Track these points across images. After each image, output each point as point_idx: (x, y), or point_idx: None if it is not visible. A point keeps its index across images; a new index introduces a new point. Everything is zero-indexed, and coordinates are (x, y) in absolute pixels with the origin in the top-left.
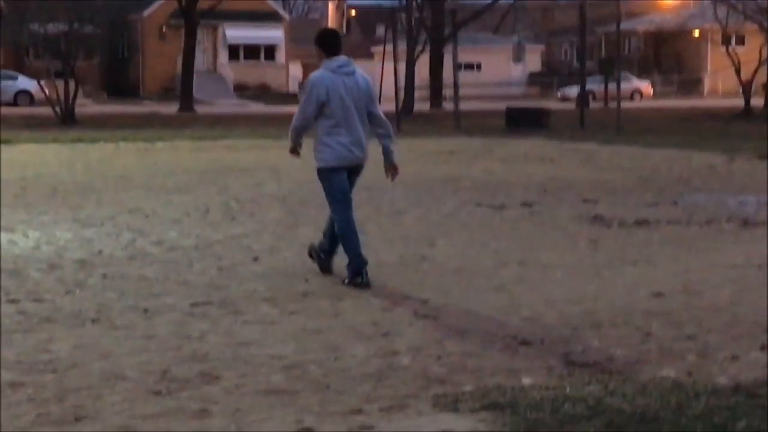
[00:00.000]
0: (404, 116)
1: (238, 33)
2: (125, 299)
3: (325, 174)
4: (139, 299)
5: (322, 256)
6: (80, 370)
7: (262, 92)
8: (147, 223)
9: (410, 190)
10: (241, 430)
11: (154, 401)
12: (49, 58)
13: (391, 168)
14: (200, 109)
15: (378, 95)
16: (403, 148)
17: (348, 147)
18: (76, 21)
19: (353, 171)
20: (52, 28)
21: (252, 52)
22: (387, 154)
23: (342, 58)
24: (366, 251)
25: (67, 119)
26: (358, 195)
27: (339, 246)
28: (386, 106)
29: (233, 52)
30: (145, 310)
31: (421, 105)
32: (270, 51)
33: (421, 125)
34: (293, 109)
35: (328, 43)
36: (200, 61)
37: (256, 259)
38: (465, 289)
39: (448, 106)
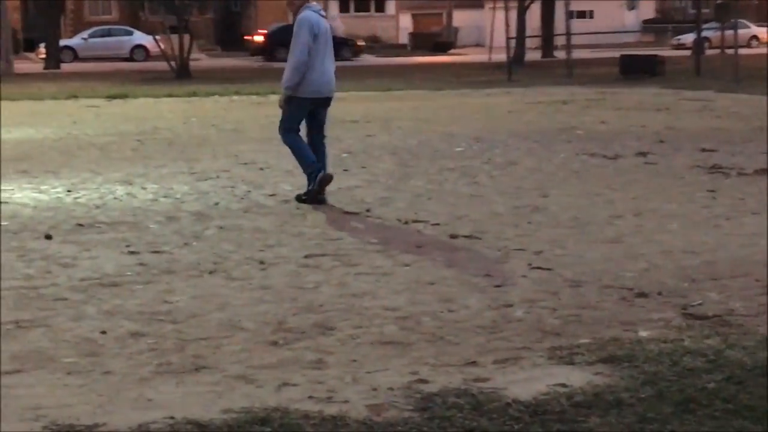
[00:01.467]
0: (515, 66)
1: None
2: (241, 251)
3: (297, 102)
4: (254, 251)
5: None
6: (199, 321)
7: (373, 44)
8: (261, 176)
9: (522, 140)
10: (357, 380)
11: (271, 351)
12: (163, 13)
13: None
14: None
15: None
16: (514, 98)
17: (320, 80)
18: None
19: (324, 103)
20: None
21: (362, 4)
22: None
23: (318, 4)
24: (472, 201)
25: (181, 73)
26: (471, 147)
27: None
28: (497, 55)
29: (344, 4)
30: (261, 262)
31: (533, 54)
32: (380, 2)
33: (533, 75)
34: (403, 60)
35: None
36: None
37: (368, 210)
38: (579, 241)
39: (560, 55)
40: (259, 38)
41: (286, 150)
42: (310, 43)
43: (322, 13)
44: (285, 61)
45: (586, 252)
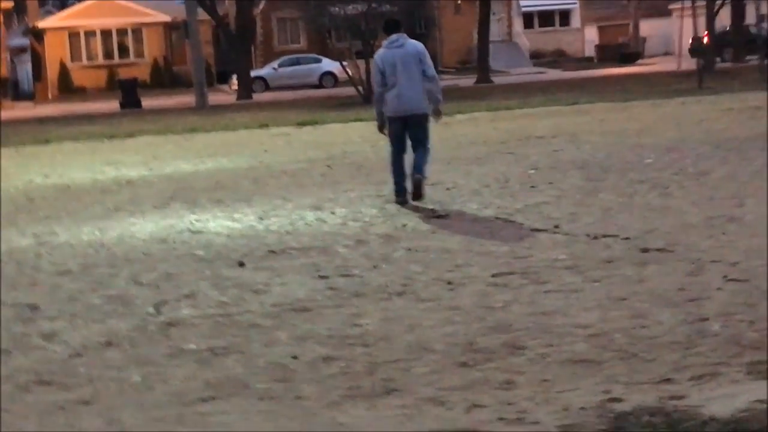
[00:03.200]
0: (706, 72)
1: (531, 0)
2: (429, 272)
3: (389, 122)
4: (442, 271)
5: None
6: (388, 343)
7: (559, 58)
8: (447, 196)
9: (715, 148)
10: (548, 400)
11: (460, 373)
12: (349, 39)
13: (436, 112)
14: (497, 79)
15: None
16: (705, 106)
17: (396, 101)
18: (374, 0)
19: (408, 120)
20: (351, 9)
21: (546, 18)
22: (434, 102)
23: (393, 36)
24: (663, 213)
25: (369, 97)
26: (661, 157)
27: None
28: (686, 63)
29: (527, 19)
30: (449, 282)
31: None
32: (565, 16)
33: (725, 81)
34: (591, 73)
35: (386, 28)
36: (495, 31)
37: (557, 226)
38: None
39: (753, 59)
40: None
41: (473, 169)
42: (379, 79)
43: (397, 43)
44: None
45: None
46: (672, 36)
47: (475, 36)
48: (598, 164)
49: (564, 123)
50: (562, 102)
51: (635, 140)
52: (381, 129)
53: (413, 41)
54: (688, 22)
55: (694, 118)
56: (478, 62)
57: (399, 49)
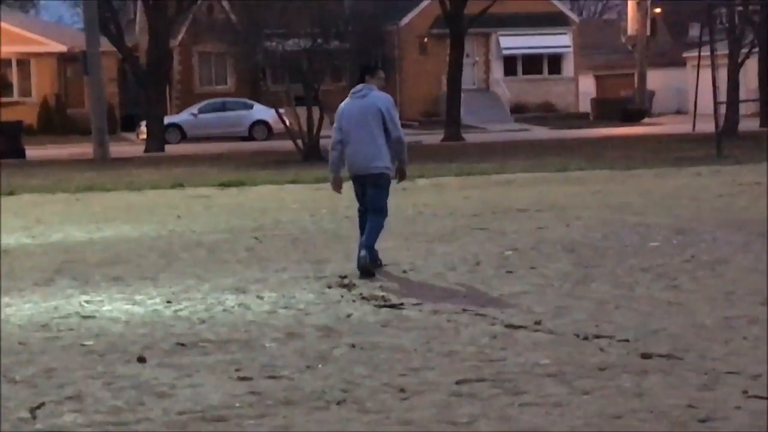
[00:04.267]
0: (726, 137)
1: (515, 42)
2: (377, 375)
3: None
4: (393, 375)
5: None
6: None
7: (546, 113)
8: (404, 280)
9: (735, 232)
10: None
11: None
12: (288, 81)
13: (400, 172)
14: (470, 136)
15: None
16: (725, 178)
17: (352, 159)
18: (320, 35)
19: (366, 180)
20: (292, 45)
21: (533, 64)
22: (399, 161)
23: (359, 86)
24: (670, 310)
25: (310, 154)
26: (669, 241)
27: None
28: (703, 124)
29: (509, 64)
30: (402, 390)
31: (749, 122)
32: (555, 62)
33: (749, 149)
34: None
35: (359, 73)
36: (469, 77)
37: (538, 322)
38: None
39: None
40: None
41: (437, 248)
42: (336, 131)
43: (360, 93)
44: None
45: None
46: (686, 91)
47: (445, 82)
48: (592, 246)
49: (551, 194)
50: (549, 167)
51: (638, 218)
52: (334, 186)
53: (380, 93)
54: (705, 75)
55: (711, 193)
56: (447, 115)
57: (360, 100)
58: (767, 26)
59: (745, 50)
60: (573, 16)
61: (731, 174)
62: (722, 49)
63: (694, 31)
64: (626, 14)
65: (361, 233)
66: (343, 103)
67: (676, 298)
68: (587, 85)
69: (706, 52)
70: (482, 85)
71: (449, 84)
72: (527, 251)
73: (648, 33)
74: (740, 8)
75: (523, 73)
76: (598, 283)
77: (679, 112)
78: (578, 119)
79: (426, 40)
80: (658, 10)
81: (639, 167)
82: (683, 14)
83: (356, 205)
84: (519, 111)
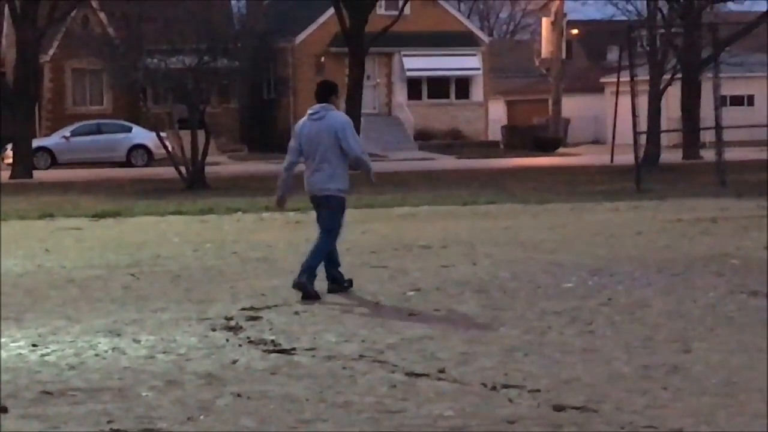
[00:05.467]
0: (647, 170)
1: (420, 63)
2: (266, 427)
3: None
4: (283, 428)
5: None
6: None
7: (453, 140)
8: (297, 323)
9: (655, 273)
10: None
11: None
12: (171, 101)
13: (368, 179)
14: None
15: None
16: (645, 214)
17: (307, 180)
18: (207, 52)
19: (320, 201)
20: (175, 62)
21: (439, 87)
22: (365, 173)
23: (315, 107)
24: (584, 358)
25: (195, 182)
26: (585, 282)
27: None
28: (622, 155)
29: (414, 88)
30: None
31: (671, 154)
32: (463, 86)
33: (671, 182)
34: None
35: (316, 93)
36: (370, 100)
37: (442, 370)
38: (734, 413)
39: (707, 154)
40: None
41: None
42: (292, 150)
43: (317, 115)
44: None
45: (744, 429)
46: (604, 119)
47: (343, 106)
48: (501, 287)
49: (457, 229)
50: (455, 200)
51: (551, 257)
52: (279, 202)
53: (337, 114)
54: (625, 102)
55: (630, 230)
56: None
57: (318, 122)
58: (690, 51)
59: (667, 76)
60: (483, 36)
61: (651, 210)
62: (643, 74)
63: (613, 54)
64: (540, 35)
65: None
66: (300, 123)
67: (591, 345)
68: (498, 111)
69: (625, 77)
70: (384, 109)
71: (348, 107)
72: (431, 291)
73: (563, 56)
74: (662, 31)
75: (429, 97)
76: (508, 328)
77: (596, 141)
78: (488, 148)
79: (323, 59)
80: (574, 31)
81: (553, 201)
82: (601, 36)
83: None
84: (424, 138)
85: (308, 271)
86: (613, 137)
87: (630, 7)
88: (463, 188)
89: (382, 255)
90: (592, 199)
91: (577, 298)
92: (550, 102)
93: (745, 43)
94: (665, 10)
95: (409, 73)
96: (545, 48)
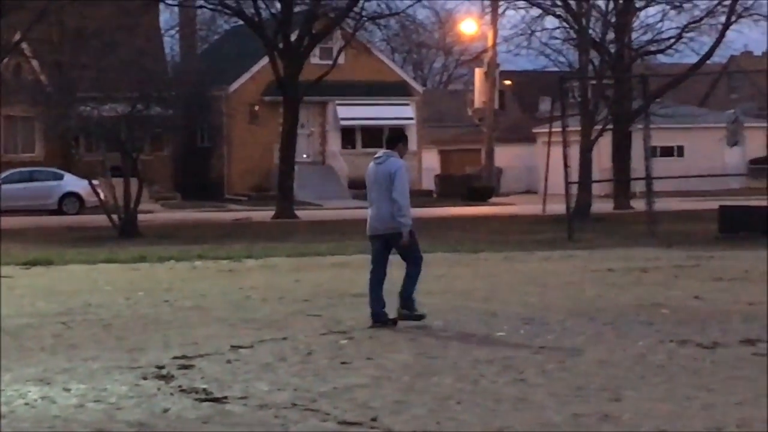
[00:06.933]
0: (578, 219)
1: (353, 112)
2: None
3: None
4: None
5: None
6: None
7: None
8: (229, 371)
9: (586, 322)
10: None
11: None
12: (104, 149)
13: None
14: (304, 213)
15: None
16: (577, 264)
17: (372, 219)
18: (140, 100)
19: (387, 239)
20: (108, 110)
21: (372, 136)
22: (395, 221)
23: (380, 151)
24: (516, 406)
25: (127, 230)
26: (517, 331)
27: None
28: (554, 205)
29: (348, 136)
30: None
31: (602, 204)
32: None
33: (602, 232)
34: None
35: (386, 140)
36: (304, 149)
37: (374, 419)
38: None
39: (638, 205)
40: None
41: (265, 335)
42: (368, 190)
43: (379, 160)
44: None
45: None
46: (536, 168)
47: (277, 154)
48: (434, 335)
49: (390, 277)
50: None
51: (484, 306)
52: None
53: (395, 160)
54: (557, 152)
55: (562, 279)
56: (279, 189)
57: (378, 165)
58: (621, 102)
59: (598, 127)
60: (416, 86)
61: (583, 259)
62: (574, 125)
63: (545, 105)
64: (473, 85)
65: (371, 292)
66: (368, 167)
67: (522, 393)
68: (431, 161)
69: (557, 127)
70: (318, 158)
71: (282, 156)
72: (364, 340)
73: (496, 106)
74: (593, 83)
75: (362, 146)
76: (440, 376)
77: (528, 191)
78: (421, 196)
79: (257, 107)
80: (507, 81)
81: (486, 250)
82: (533, 87)
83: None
84: (358, 187)
85: (404, 300)
86: (545, 187)
87: (562, 59)
88: None
89: (315, 303)
90: (525, 249)
91: (510, 346)
92: (483, 151)
93: (676, 95)
94: (596, 62)
95: (342, 122)
96: (478, 98)
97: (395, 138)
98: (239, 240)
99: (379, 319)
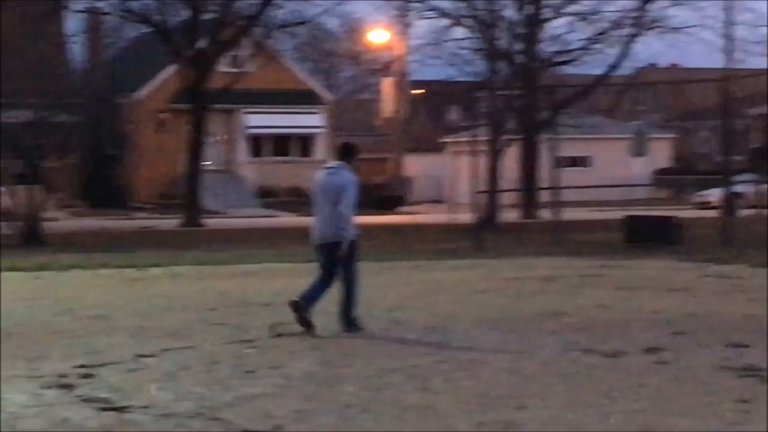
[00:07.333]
0: (486, 228)
1: (262, 120)
2: None
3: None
4: None
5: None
6: None
7: (296, 198)
8: (132, 380)
9: (492, 330)
10: None
11: None
12: (9, 156)
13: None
14: (211, 222)
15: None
16: (483, 272)
17: (317, 228)
18: (45, 107)
19: (327, 248)
20: (12, 117)
21: (281, 145)
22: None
23: (332, 163)
24: (421, 414)
25: (30, 238)
26: (427, 337)
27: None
28: (462, 214)
29: (255, 145)
30: None
31: (510, 213)
32: (306, 144)
33: (509, 241)
34: None
35: (338, 152)
36: (212, 157)
37: (278, 427)
38: None
39: (545, 214)
40: None
41: (169, 345)
42: (313, 199)
43: (330, 171)
44: None
45: None
46: (445, 178)
47: (184, 162)
48: (340, 344)
49: (298, 286)
50: (296, 257)
51: (390, 314)
52: None
53: (346, 173)
54: (465, 161)
55: (468, 288)
56: (186, 198)
57: (328, 174)
58: (529, 112)
59: (506, 137)
60: (326, 94)
61: (490, 268)
62: (482, 135)
63: (454, 115)
64: (383, 95)
65: (318, 298)
66: (316, 177)
67: (428, 402)
68: None
69: (465, 137)
70: (225, 166)
71: (189, 164)
72: (269, 349)
73: (406, 115)
74: (501, 93)
75: (271, 155)
76: (345, 385)
77: (437, 200)
78: None
79: (164, 115)
80: (416, 91)
81: (393, 259)
82: (443, 97)
83: None
84: (265, 195)
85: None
86: (454, 196)
87: (470, 69)
88: (304, 245)
89: (221, 312)
90: (432, 258)
91: (415, 355)
92: (392, 161)
93: (583, 105)
94: (505, 72)
95: (251, 131)
96: (387, 107)
97: (348, 151)
98: (145, 248)
99: (352, 324)
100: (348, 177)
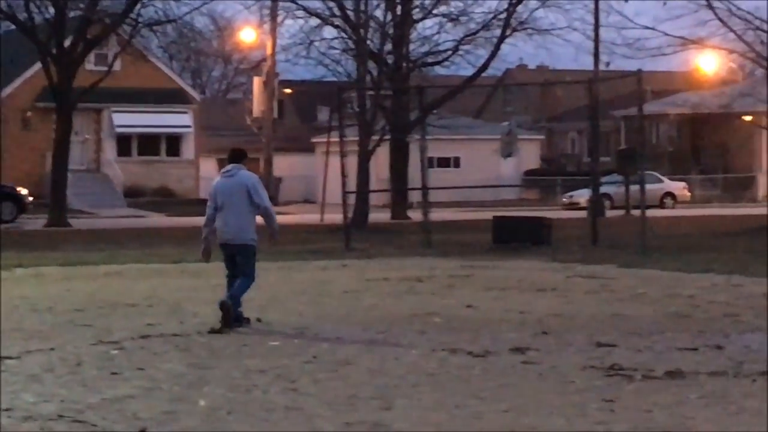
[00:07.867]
0: (356, 229)
1: (130, 119)
2: None
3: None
4: None
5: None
6: None
7: (164, 198)
8: None
9: (360, 331)
10: None
11: None
12: None
13: (271, 236)
14: (77, 222)
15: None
16: (352, 273)
17: (222, 229)
18: None
19: (233, 249)
20: None
21: (149, 144)
22: (270, 228)
23: (228, 166)
24: (287, 415)
25: None
26: (290, 340)
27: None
28: (333, 215)
29: (123, 144)
30: None
31: (379, 214)
32: (174, 143)
33: (379, 241)
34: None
35: (229, 157)
36: (78, 156)
37: (143, 430)
38: None
39: (415, 215)
40: None
41: (32, 346)
42: (211, 204)
43: (233, 171)
44: None
45: None
46: (315, 178)
47: (50, 161)
48: (207, 345)
49: (165, 287)
50: (164, 258)
51: (258, 315)
52: (205, 255)
53: (246, 172)
54: (335, 161)
55: (337, 288)
56: (52, 197)
57: (227, 178)
58: (398, 113)
59: (376, 137)
60: (195, 94)
61: (359, 269)
62: (353, 135)
63: (324, 115)
64: (252, 94)
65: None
66: (215, 182)
67: (294, 403)
68: (209, 169)
69: (335, 137)
70: (92, 166)
71: (55, 163)
72: (135, 350)
73: (275, 115)
74: (371, 93)
75: (139, 154)
76: (212, 386)
77: (307, 200)
78: (199, 205)
79: (29, 113)
80: (286, 90)
81: (261, 260)
82: (312, 97)
83: None
84: (133, 195)
85: (232, 298)
86: (323, 197)
87: (340, 69)
88: (172, 246)
89: (86, 313)
90: (301, 258)
91: (283, 356)
92: (262, 161)
93: (452, 106)
94: (375, 73)
95: (118, 130)
96: (257, 107)
97: (239, 155)
98: (9, 248)
99: (239, 319)
100: (251, 176)
